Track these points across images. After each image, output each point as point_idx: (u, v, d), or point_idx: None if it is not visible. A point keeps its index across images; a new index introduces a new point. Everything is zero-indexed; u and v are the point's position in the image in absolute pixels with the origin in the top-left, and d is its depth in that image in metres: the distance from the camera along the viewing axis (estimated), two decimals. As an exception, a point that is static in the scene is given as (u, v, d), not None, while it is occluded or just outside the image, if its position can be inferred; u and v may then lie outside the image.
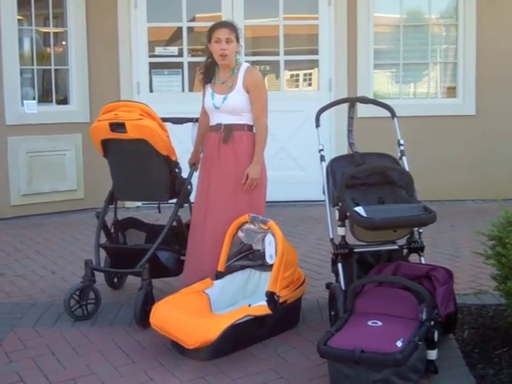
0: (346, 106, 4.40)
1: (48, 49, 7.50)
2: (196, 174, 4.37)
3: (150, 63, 7.65)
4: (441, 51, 7.94)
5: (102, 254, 4.36)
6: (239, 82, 4.13)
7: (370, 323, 3.27)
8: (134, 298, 4.00)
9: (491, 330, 3.75)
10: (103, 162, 4.39)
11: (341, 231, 3.80)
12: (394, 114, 4.16)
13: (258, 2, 7.71)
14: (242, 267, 4.09)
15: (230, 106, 4.12)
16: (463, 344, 3.60)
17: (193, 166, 4.45)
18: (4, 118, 6.98)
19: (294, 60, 7.84)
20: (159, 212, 4.44)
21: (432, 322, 3.26)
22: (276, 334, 3.77)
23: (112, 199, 4.44)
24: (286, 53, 7.64)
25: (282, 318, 3.76)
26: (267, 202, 4.29)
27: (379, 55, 7.71)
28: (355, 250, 3.83)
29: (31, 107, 7.11)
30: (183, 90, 7.66)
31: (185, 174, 4.33)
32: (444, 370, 3.28)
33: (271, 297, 3.67)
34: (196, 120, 4.47)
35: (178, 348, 3.55)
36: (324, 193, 3.99)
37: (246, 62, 4.46)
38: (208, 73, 4.26)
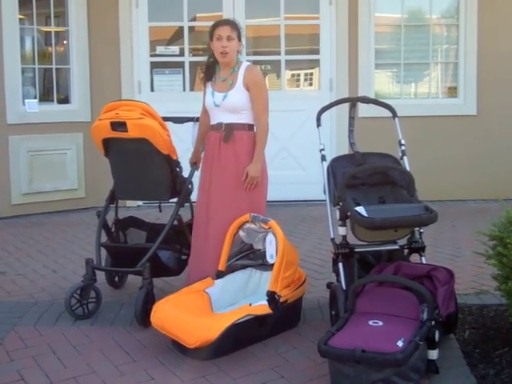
0: (346, 105, 4.40)
1: (49, 48, 7.49)
2: (197, 174, 4.37)
3: (151, 62, 7.66)
4: (442, 51, 7.94)
5: (103, 252, 4.36)
6: (239, 80, 4.13)
7: (370, 323, 3.27)
8: (135, 297, 4.00)
9: (492, 330, 3.75)
10: (104, 161, 4.39)
11: (342, 231, 3.80)
12: (395, 114, 4.16)
13: (259, 1, 7.72)
14: (243, 267, 4.09)
15: (230, 103, 4.12)
16: (464, 344, 3.59)
17: (194, 165, 4.45)
18: (5, 117, 6.98)
19: (295, 60, 7.84)
20: (160, 211, 4.44)
21: (433, 322, 3.26)
22: (277, 333, 3.77)
23: (113, 198, 4.44)
24: (287, 52, 7.64)
25: (282, 317, 3.76)
26: (268, 201, 4.29)
27: (380, 55, 7.71)
28: (356, 250, 3.83)
29: (32, 106, 7.12)
30: (184, 90, 7.67)
31: (185, 174, 4.33)
32: (445, 369, 3.28)
33: (272, 296, 3.67)
34: (197, 119, 4.48)
35: (178, 347, 3.55)
36: (325, 192, 3.99)
37: (247, 61, 4.46)
38: (209, 71, 4.26)
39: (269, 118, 4.17)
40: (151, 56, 7.64)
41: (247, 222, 3.98)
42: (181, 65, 7.64)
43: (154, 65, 7.67)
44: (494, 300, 4.15)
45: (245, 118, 4.15)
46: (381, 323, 3.26)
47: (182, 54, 7.65)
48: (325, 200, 3.99)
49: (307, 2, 7.77)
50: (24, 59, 7.23)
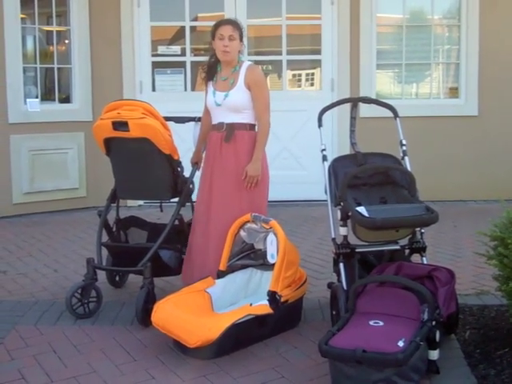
0: (348, 106, 4.40)
1: (51, 47, 7.50)
2: (198, 173, 4.37)
3: (153, 62, 7.66)
4: (443, 52, 7.94)
5: (104, 252, 4.37)
6: (241, 79, 4.13)
7: (371, 323, 3.27)
8: (136, 296, 4.00)
9: (493, 331, 3.75)
10: (105, 160, 4.39)
11: (343, 231, 3.80)
12: (396, 115, 4.16)
13: (261, 1, 7.72)
14: (244, 266, 4.09)
15: (231, 102, 4.12)
16: (465, 344, 3.59)
17: (195, 164, 4.46)
18: (7, 116, 6.98)
19: (297, 60, 7.84)
20: (161, 211, 4.44)
21: (434, 322, 3.25)
22: (277, 333, 3.77)
23: (114, 198, 4.44)
24: (289, 52, 7.64)
25: (283, 317, 3.76)
26: (269, 201, 4.29)
27: (382, 55, 7.70)
28: (357, 250, 3.83)
29: (34, 105, 7.12)
30: (186, 89, 7.67)
31: (187, 173, 4.33)
32: (445, 370, 3.28)
33: (273, 296, 3.67)
34: (198, 119, 4.48)
35: (179, 347, 3.55)
36: (326, 192, 3.99)
37: (248, 61, 4.46)
38: (210, 71, 4.27)
39: (270, 118, 4.17)
40: (153, 56, 7.65)
41: (248, 221, 3.98)
42: (182, 65, 7.64)
43: (155, 64, 7.67)
44: (495, 300, 4.15)
45: (246, 117, 4.15)
46: (381, 323, 3.26)
47: (183, 53, 7.65)
48: (326, 200, 3.99)
49: (309, 2, 7.78)
50: (26, 58, 7.24)
